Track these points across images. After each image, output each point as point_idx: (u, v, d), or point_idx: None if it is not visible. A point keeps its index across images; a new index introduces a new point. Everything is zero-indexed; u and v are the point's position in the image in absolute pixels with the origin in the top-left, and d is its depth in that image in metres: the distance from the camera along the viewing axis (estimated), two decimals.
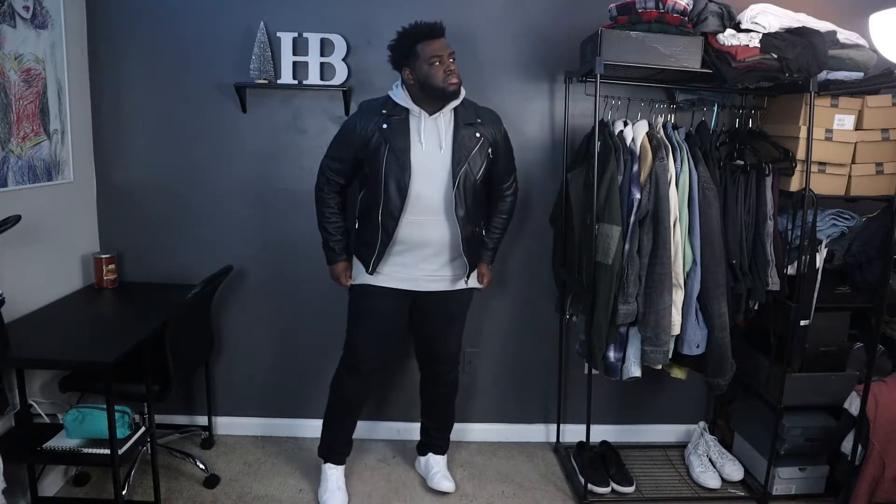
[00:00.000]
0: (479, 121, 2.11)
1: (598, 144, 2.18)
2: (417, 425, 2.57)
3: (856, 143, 2.22)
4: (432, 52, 1.95)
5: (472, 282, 2.24)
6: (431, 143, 2.05)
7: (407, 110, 2.05)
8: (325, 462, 2.36)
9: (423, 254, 2.12)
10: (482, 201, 2.20)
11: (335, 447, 2.35)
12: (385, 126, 2.03)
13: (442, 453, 2.50)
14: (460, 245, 2.11)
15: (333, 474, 2.34)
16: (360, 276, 2.18)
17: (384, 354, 2.31)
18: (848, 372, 2.34)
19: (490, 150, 2.12)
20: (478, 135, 2.09)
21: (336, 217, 2.18)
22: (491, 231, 2.28)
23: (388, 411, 2.80)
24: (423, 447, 2.52)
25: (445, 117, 2.07)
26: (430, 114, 2.04)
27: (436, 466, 2.46)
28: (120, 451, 1.89)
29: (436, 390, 2.40)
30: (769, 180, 2.25)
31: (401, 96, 2.06)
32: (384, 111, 2.06)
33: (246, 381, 2.76)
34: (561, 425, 2.80)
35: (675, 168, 2.18)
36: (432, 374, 2.38)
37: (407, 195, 2.03)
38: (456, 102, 2.05)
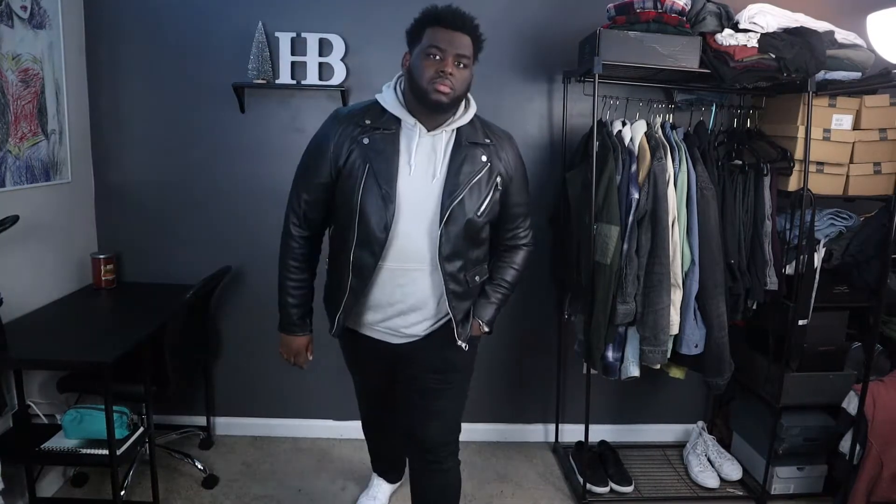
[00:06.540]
0: (489, 141, 1.61)
1: (596, 144, 2.18)
2: None
3: (854, 143, 2.23)
4: (434, 41, 1.48)
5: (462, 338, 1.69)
6: (423, 169, 1.56)
7: (398, 121, 1.57)
8: (373, 471, 2.36)
9: (401, 309, 1.65)
10: (484, 247, 1.71)
11: (376, 465, 2.33)
12: (366, 141, 1.54)
13: None
14: (446, 301, 1.62)
15: (376, 484, 2.32)
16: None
17: (382, 416, 2.05)
18: (846, 371, 2.35)
19: (499, 180, 1.62)
20: (484, 158, 1.59)
21: (298, 272, 1.67)
22: (496, 283, 1.74)
23: None
24: None
25: (446, 136, 1.58)
26: (429, 129, 1.56)
27: None
28: (118, 452, 1.89)
29: (424, 482, 1.82)
30: (767, 180, 2.25)
31: (391, 101, 1.57)
32: (367, 121, 1.56)
33: (244, 382, 2.76)
34: (559, 425, 2.80)
35: (674, 168, 2.18)
36: (418, 460, 1.81)
37: (389, 236, 1.54)
38: (460, 122, 1.59)
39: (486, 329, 1.73)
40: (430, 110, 1.53)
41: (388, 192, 1.52)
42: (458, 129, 1.59)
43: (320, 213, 1.66)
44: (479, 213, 1.58)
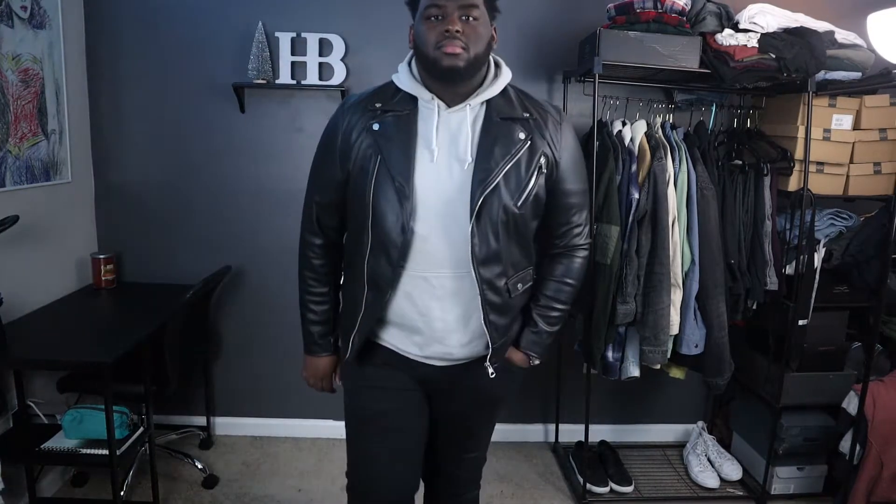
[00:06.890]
0: (528, 115, 1.32)
1: (596, 144, 2.18)
2: None
3: (854, 143, 2.23)
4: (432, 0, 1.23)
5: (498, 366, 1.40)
6: (447, 155, 1.28)
7: (414, 101, 1.31)
8: None
9: (439, 330, 1.33)
10: (529, 247, 1.38)
11: None
12: (376, 127, 1.29)
13: None
14: (481, 314, 1.31)
15: None
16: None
17: (406, 477, 1.47)
18: (846, 371, 2.35)
19: (543, 162, 1.31)
20: (522, 135, 1.30)
21: (316, 285, 1.44)
22: (547, 307, 1.42)
23: None
24: None
25: (472, 113, 1.30)
26: (450, 105, 1.30)
27: None
28: (118, 452, 1.89)
29: None
30: (767, 180, 2.25)
31: (405, 76, 1.32)
32: (377, 104, 1.31)
33: (244, 382, 2.76)
34: (559, 425, 2.80)
35: (674, 168, 2.18)
36: (438, 489, 1.64)
37: (407, 239, 1.26)
38: (488, 94, 1.31)
39: (537, 362, 1.46)
40: (446, 81, 1.27)
41: (402, 185, 1.24)
42: (488, 102, 1.32)
43: (335, 217, 1.41)
44: (519, 204, 1.28)
